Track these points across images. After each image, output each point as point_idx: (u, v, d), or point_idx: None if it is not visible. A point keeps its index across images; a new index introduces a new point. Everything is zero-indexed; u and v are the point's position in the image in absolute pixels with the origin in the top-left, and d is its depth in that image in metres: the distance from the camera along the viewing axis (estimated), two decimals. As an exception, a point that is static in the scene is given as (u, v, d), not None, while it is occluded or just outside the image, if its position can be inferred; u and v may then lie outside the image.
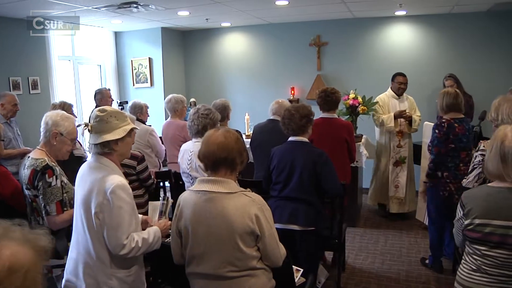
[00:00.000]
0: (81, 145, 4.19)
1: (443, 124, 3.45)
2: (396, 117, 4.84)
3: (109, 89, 5.32)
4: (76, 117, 4.30)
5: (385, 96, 5.03)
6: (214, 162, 1.97)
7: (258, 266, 1.97)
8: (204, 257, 1.94)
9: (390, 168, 4.99)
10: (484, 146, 2.76)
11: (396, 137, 4.94)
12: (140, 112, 4.55)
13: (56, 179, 2.36)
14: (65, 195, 2.39)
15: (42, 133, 2.51)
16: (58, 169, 2.41)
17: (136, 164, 3.32)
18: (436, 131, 3.50)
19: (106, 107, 2.11)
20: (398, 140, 4.94)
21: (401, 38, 6.19)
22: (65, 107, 4.04)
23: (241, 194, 1.95)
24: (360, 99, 4.87)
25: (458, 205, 1.99)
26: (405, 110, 4.85)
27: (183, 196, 2.03)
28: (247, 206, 1.92)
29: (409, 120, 4.87)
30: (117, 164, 2.08)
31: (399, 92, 4.99)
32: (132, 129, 2.10)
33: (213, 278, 1.94)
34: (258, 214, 1.92)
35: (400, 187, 4.97)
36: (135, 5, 4.87)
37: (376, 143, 5.21)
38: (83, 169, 2.11)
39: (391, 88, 5.05)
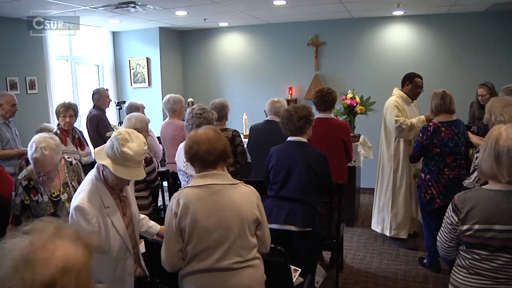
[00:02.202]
0: (77, 148, 4.12)
1: (429, 128, 3.44)
2: (428, 121, 3.99)
3: (107, 89, 5.31)
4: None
5: (400, 101, 4.20)
6: (217, 156, 2.02)
7: (256, 256, 2.05)
8: (209, 251, 1.94)
9: (413, 186, 4.26)
10: None
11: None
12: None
13: (16, 195, 2.51)
14: (33, 210, 2.52)
15: None
16: (22, 188, 2.52)
17: (145, 166, 3.32)
18: (420, 134, 3.50)
19: (124, 133, 2.05)
20: None
21: (399, 38, 6.21)
22: (64, 109, 4.01)
23: (242, 185, 2.07)
24: (358, 99, 4.87)
25: (450, 211, 1.89)
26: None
27: (184, 193, 2.00)
28: (250, 196, 2.05)
29: None
30: (108, 185, 2.11)
31: (415, 97, 4.27)
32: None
33: (216, 271, 1.94)
34: (258, 202, 2.07)
35: (413, 204, 4.36)
36: (132, 5, 4.87)
37: (395, 160, 4.27)
38: None
39: (403, 91, 4.24)
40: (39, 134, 2.55)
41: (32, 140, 2.49)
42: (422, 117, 4.07)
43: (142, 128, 3.53)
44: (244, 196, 2.03)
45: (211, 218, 1.94)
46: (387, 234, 4.39)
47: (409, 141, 4.17)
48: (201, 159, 2.02)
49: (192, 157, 2.03)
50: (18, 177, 2.56)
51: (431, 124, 3.48)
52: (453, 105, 3.46)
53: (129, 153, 1.99)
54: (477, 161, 2.77)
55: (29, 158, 2.48)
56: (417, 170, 4.23)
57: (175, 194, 2.03)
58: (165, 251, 2.02)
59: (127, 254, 2.18)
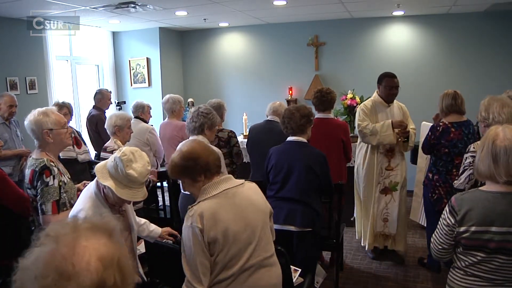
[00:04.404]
0: (73, 146, 4.12)
1: (438, 128, 3.39)
2: (395, 126, 3.74)
3: (110, 92, 5.32)
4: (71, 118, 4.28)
5: (371, 104, 3.90)
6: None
7: (274, 249, 2.08)
8: (240, 254, 1.90)
9: (375, 197, 3.93)
10: (474, 148, 2.72)
11: (385, 157, 3.89)
12: (142, 111, 4.60)
13: (54, 179, 2.35)
14: (64, 195, 2.38)
15: (34, 138, 2.48)
16: (56, 169, 2.40)
17: None
18: (429, 133, 3.46)
19: (128, 153, 2.01)
20: (387, 161, 3.90)
21: (399, 38, 6.21)
22: (57, 108, 4.02)
23: (247, 182, 2.11)
24: (358, 99, 4.87)
25: (447, 212, 1.87)
26: (403, 121, 3.80)
27: (203, 207, 1.90)
28: (258, 189, 2.12)
29: (407, 136, 3.81)
30: (109, 202, 2.08)
31: (389, 99, 3.88)
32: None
33: (245, 271, 1.91)
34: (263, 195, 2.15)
35: (390, 221, 3.93)
36: (132, 5, 4.87)
37: (360, 167, 4.03)
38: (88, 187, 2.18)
39: (377, 93, 3.95)
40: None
41: (32, 116, 2.42)
42: (388, 121, 3.74)
43: (123, 125, 3.56)
44: (255, 191, 2.09)
45: (238, 221, 1.91)
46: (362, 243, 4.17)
47: (376, 149, 3.88)
48: (210, 168, 1.99)
49: (201, 168, 1.97)
50: (43, 164, 2.35)
51: (440, 124, 3.41)
52: (463, 106, 3.41)
53: (134, 175, 1.97)
54: (467, 161, 2.77)
55: (52, 126, 2.41)
56: (393, 184, 3.89)
57: (191, 212, 1.91)
58: (195, 272, 1.87)
59: None
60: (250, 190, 2.06)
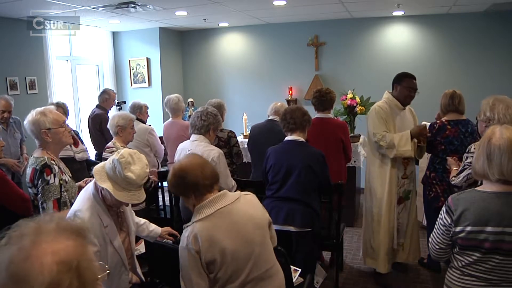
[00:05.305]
0: (70, 146, 4.13)
1: (435, 126, 3.44)
2: (414, 136, 3.39)
3: (115, 93, 5.32)
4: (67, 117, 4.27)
5: (386, 106, 3.49)
6: (212, 178, 1.98)
7: (275, 258, 2.05)
8: (240, 269, 1.88)
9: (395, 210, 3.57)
10: (474, 148, 2.74)
11: (401, 165, 3.54)
12: (139, 112, 4.58)
13: (54, 177, 2.36)
14: (65, 193, 2.38)
15: (34, 138, 2.48)
16: (57, 167, 2.41)
17: None
18: (428, 131, 3.49)
19: (127, 156, 2.00)
20: (403, 169, 3.56)
21: (399, 38, 6.21)
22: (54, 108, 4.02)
23: (243, 195, 2.04)
24: (358, 99, 4.87)
25: (444, 212, 1.88)
26: (424, 128, 3.42)
27: (198, 228, 1.85)
28: (255, 201, 2.06)
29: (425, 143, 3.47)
30: (106, 204, 2.08)
31: (407, 101, 3.53)
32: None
33: (248, 283, 1.90)
34: (260, 204, 2.09)
35: (400, 230, 3.63)
36: (132, 5, 4.87)
37: (370, 179, 3.64)
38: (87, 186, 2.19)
39: (392, 94, 3.54)
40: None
41: (31, 116, 2.43)
42: (407, 134, 3.37)
43: (126, 125, 3.56)
44: (253, 205, 2.02)
45: (235, 240, 1.87)
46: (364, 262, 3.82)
47: (394, 160, 3.48)
48: (199, 189, 1.92)
49: (189, 187, 1.92)
50: (43, 163, 2.36)
51: (438, 122, 3.47)
52: (462, 106, 3.42)
53: (132, 177, 1.96)
54: (466, 161, 2.78)
55: (49, 125, 2.41)
56: (406, 192, 3.61)
57: (186, 233, 1.88)
58: None
59: (122, 270, 2.16)
60: (247, 205, 1.99)
